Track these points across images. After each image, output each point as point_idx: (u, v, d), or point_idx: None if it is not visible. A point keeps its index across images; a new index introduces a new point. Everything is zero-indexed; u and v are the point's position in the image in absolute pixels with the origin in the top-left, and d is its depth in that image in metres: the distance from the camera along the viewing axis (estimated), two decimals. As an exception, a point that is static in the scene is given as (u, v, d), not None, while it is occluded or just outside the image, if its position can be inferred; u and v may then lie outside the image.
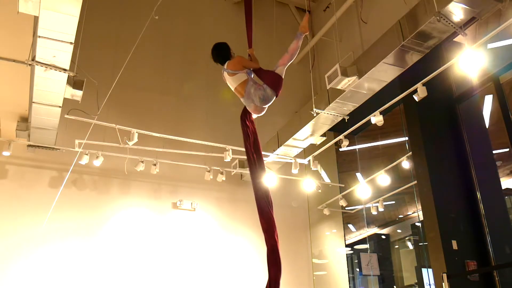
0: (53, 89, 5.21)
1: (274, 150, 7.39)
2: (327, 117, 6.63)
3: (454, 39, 6.67)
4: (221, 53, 4.10)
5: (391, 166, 7.48)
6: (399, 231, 11.13)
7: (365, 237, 10.08)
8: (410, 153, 6.94)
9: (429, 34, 5.19)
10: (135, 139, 6.05)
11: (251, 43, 4.29)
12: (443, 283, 5.30)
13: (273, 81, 3.85)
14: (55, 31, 4.26)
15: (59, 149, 6.63)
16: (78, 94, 5.44)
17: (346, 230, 9.48)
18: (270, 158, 7.50)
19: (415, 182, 7.10)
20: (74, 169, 6.31)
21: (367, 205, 8.77)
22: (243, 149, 6.95)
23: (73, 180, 6.79)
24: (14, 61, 4.83)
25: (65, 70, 4.86)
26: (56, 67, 4.78)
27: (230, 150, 6.68)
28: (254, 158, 3.97)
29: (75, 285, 6.35)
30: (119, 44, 7.60)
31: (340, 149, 7.75)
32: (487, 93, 6.91)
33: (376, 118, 5.97)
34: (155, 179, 7.32)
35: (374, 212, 8.49)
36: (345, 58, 7.43)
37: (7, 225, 6.29)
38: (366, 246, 10.21)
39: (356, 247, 10.65)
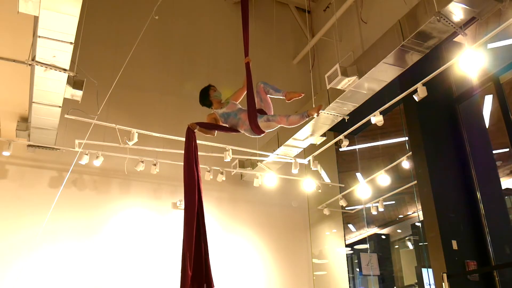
0: (53, 89, 5.22)
1: (274, 150, 7.38)
2: (327, 117, 6.63)
3: (454, 39, 6.67)
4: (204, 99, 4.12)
5: (391, 166, 7.48)
6: (399, 231, 11.14)
7: (365, 237, 10.09)
8: (410, 153, 6.94)
9: (429, 34, 5.19)
10: (135, 139, 6.05)
11: (247, 51, 4.19)
12: (443, 283, 5.30)
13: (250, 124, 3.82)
14: (55, 31, 4.26)
15: (59, 149, 6.63)
16: (78, 94, 5.44)
17: (346, 230, 9.48)
18: (270, 158, 7.50)
19: (415, 182, 7.10)
20: (74, 169, 6.30)
21: (367, 205, 8.77)
22: (243, 149, 7.04)
23: (73, 180, 6.79)
24: (14, 61, 4.83)
25: (65, 70, 4.86)
26: (56, 67, 4.79)
27: (230, 150, 6.67)
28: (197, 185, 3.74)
29: (75, 285, 6.35)
30: (119, 44, 7.59)
31: (340, 149, 7.76)
32: (487, 93, 6.91)
33: (376, 118, 5.97)
34: (155, 179, 7.32)
35: (374, 212, 8.49)
36: (345, 58, 7.43)
37: (7, 225, 6.28)
38: (366, 246, 10.21)
39: (356, 247, 10.66)
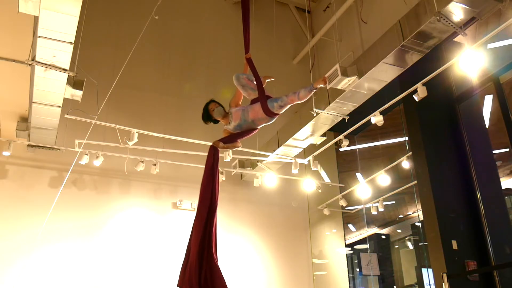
0: (53, 89, 5.22)
1: (274, 150, 7.39)
2: (327, 117, 6.63)
3: (454, 39, 6.66)
4: (206, 118, 4.06)
5: (391, 166, 7.48)
6: (399, 231, 11.13)
7: (365, 237, 10.09)
8: (410, 153, 6.94)
9: (429, 34, 5.19)
10: (135, 139, 6.05)
11: (248, 48, 4.20)
12: (443, 283, 5.30)
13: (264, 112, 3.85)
14: (55, 31, 4.26)
15: (59, 149, 6.63)
16: (78, 94, 5.44)
17: (346, 230, 9.48)
18: (270, 158, 7.50)
19: (415, 182, 7.10)
20: (74, 169, 6.31)
21: (367, 205, 8.77)
22: (243, 149, 7.02)
23: (73, 180, 6.79)
24: (14, 61, 4.84)
25: (65, 70, 4.86)
26: (56, 67, 4.79)
27: (230, 150, 6.67)
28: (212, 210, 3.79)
29: (75, 285, 6.36)
30: (119, 44, 7.60)
31: (340, 149, 7.75)
32: (487, 93, 6.91)
33: (376, 118, 5.97)
34: (155, 179, 7.32)
35: (374, 212, 8.49)
36: (345, 58, 7.43)
37: (7, 225, 6.29)
38: (366, 246, 10.21)
39: (356, 247, 10.65)
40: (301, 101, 3.84)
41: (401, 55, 5.57)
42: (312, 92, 3.79)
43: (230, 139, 4.01)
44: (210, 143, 6.78)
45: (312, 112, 6.42)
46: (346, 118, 6.61)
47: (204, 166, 3.92)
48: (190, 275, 3.42)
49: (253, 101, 3.95)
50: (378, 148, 9.67)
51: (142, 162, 6.71)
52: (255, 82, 3.97)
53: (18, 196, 6.50)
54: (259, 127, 4.00)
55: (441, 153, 6.59)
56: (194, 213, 7.76)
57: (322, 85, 3.80)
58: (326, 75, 5.98)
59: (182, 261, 3.67)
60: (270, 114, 3.81)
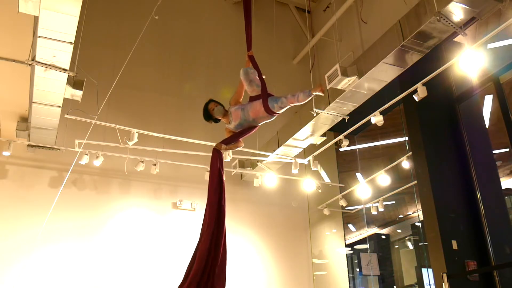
0: (53, 89, 5.22)
1: (274, 150, 7.38)
2: (327, 117, 6.62)
3: (454, 39, 6.67)
4: (207, 117, 4.07)
5: (391, 166, 7.48)
6: (399, 231, 11.14)
7: (365, 237, 10.09)
8: (410, 153, 6.94)
9: (429, 34, 5.19)
10: (135, 139, 6.05)
11: (250, 45, 4.23)
12: (443, 283, 5.31)
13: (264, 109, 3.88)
14: (55, 31, 4.26)
15: (59, 149, 6.63)
16: (78, 94, 5.44)
17: (346, 230, 9.48)
18: (270, 158, 7.50)
19: (415, 182, 7.10)
20: (74, 169, 6.30)
21: (367, 205, 8.77)
22: (243, 149, 7.01)
23: (73, 180, 6.79)
24: (14, 61, 4.84)
25: (65, 70, 4.86)
26: (56, 67, 4.79)
27: (230, 150, 6.67)
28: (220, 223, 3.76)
29: (75, 285, 6.35)
30: (119, 44, 7.60)
31: (340, 149, 7.75)
32: (487, 93, 6.91)
33: (376, 118, 5.97)
34: (155, 179, 7.32)
35: (374, 212, 8.49)
36: (345, 58, 7.43)
37: (7, 225, 6.28)
38: (366, 246, 10.22)
39: (356, 247, 10.66)
40: (300, 103, 3.86)
41: (401, 55, 5.57)
42: (311, 97, 3.81)
43: (231, 140, 4.02)
44: (210, 143, 6.79)
45: (312, 112, 6.42)
46: (346, 118, 6.61)
47: (204, 166, 3.93)
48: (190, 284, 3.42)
49: (252, 99, 3.96)
50: (378, 148, 9.67)
51: (142, 162, 6.71)
52: (257, 77, 4.00)
53: (18, 196, 6.50)
54: (260, 124, 4.02)
55: (441, 153, 6.60)
56: (194, 213, 7.81)
57: (319, 93, 3.77)
58: (326, 75, 5.99)
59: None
60: (271, 112, 3.85)
